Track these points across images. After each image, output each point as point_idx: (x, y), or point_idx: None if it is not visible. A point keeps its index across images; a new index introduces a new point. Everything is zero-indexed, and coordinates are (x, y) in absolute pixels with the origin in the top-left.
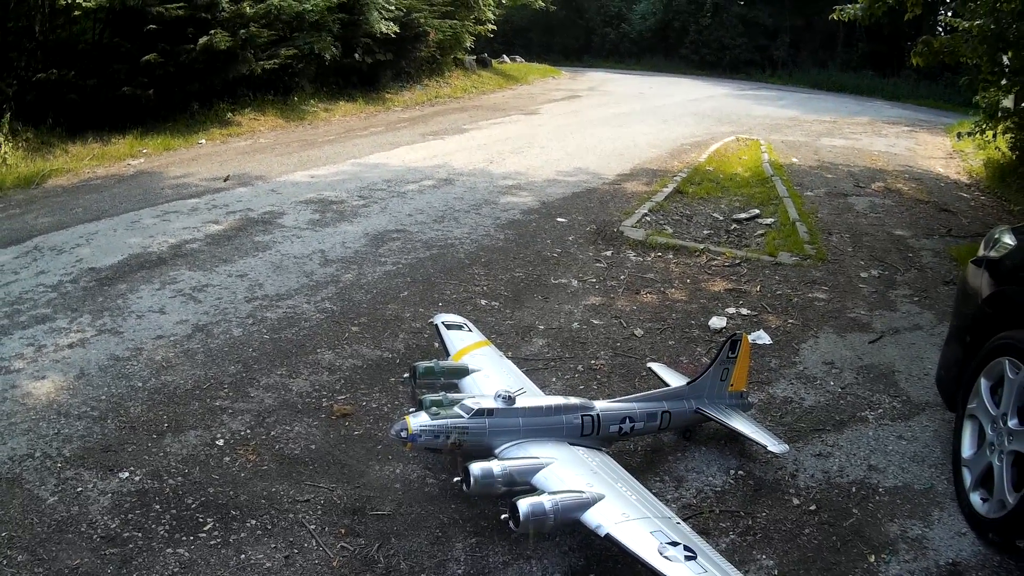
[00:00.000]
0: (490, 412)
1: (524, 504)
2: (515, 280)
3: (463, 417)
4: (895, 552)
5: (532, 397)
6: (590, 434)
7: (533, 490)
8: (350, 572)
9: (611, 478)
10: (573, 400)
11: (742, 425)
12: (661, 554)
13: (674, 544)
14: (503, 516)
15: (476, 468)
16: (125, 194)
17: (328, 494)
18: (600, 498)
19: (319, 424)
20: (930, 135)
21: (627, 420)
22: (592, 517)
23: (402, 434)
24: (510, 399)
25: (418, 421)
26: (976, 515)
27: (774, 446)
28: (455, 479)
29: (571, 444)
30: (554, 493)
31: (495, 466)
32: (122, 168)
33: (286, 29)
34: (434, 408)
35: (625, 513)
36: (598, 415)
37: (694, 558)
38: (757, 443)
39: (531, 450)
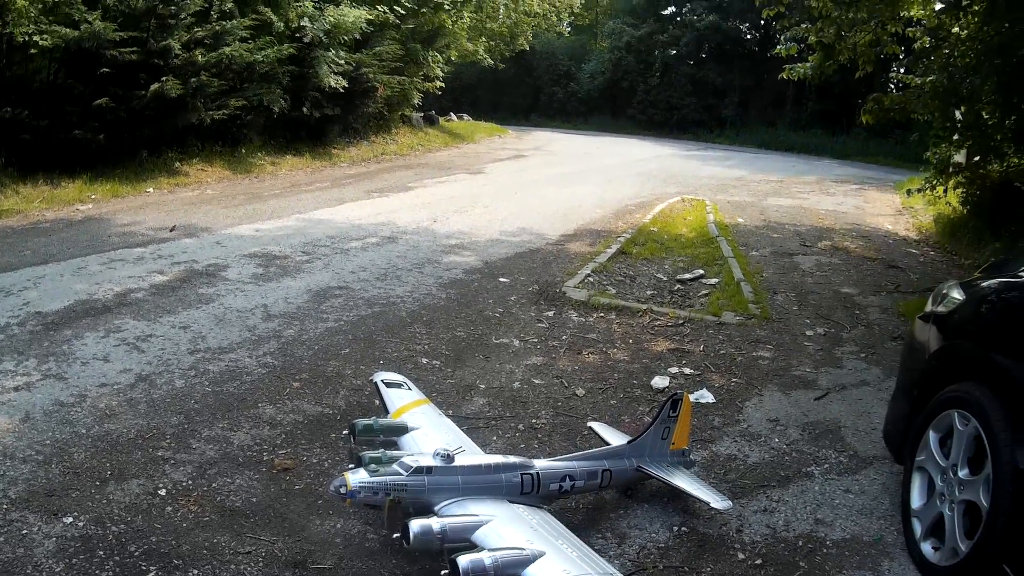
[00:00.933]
0: (429, 470)
1: (464, 560)
2: (456, 339)
3: (402, 475)
4: None
5: (471, 455)
6: (530, 492)
7: (473, 547)
8: None
9: (552, 535)
10: (512, 459)
11: (684, 482)
12: None
13: None
14: (443, 573)
15: (415, 525)
16: (73, 239)
17: (269, 547)
18: (541, 555)
19: (260, 477)
20: (879, 192)
21: (567, 478)
22: (532, 574)
23: (341, 490)
24: (449, 457)
25: (357, 478)
26: (928, 564)
27: (717, 502)
28: (395, 535)
29: (511, 502)
30: (494, 550)
31: (434, 523)
32: (71, 212)
33: (236, 79)
34: (373, 465)
35: (566, 570)
36: (538, 473)
37: None
38: (699, 500)
39: (471, 507)
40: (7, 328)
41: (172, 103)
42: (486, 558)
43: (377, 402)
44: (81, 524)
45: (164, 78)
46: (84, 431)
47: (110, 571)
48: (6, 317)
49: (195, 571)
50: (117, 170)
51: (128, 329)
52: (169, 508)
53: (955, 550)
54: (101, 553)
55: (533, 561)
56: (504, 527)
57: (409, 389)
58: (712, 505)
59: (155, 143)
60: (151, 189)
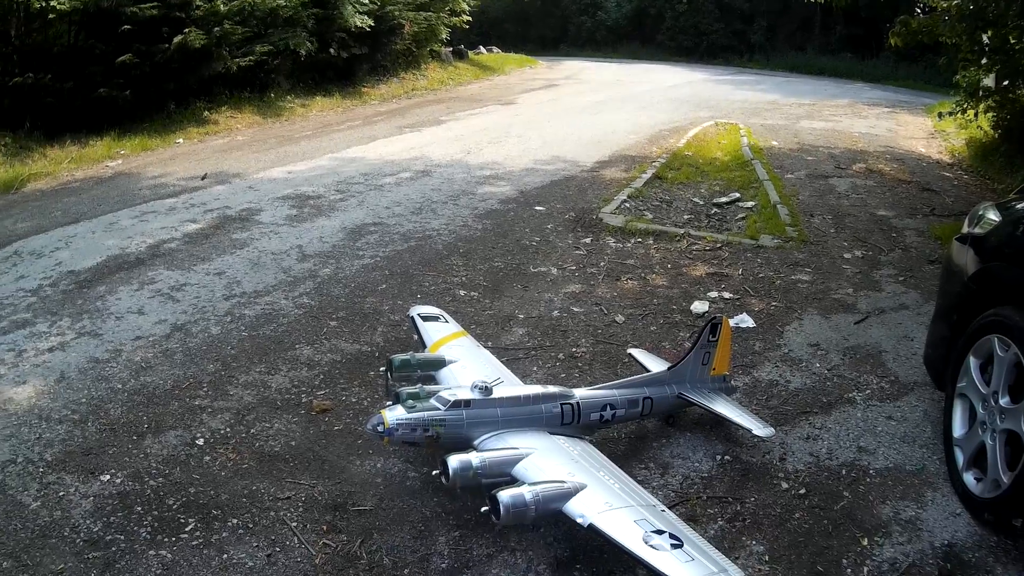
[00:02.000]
0: (467, 403)
1: (504, 496)
2: (494, 270)
3: (440, 409)
4: (888, 535)
5: (510, 387)
6: (570, 423)
7: (514, 481)
8: (333, 569)
9: (593, 467)
10: (552, 389)
11: (726, 409)
12: (646, 543)
13: (659, 532)
14: (483, 508)
15: (454, 460)
16: (103, 196)
17: (309, 490)
18: (582, 487)
19: (299, 420)
20: (911, 116)
21: (608, 407)
22: (574, 507)
23: (379, 428)
24: (487, 390)
25: (394, 415)
26: (970, 495)
27: (759, 429)
28: (435, 472)
29: (551, 433)
30: (535, 484)
31: (474, 458)
32: (100, 170)
33: (260, 26)
34: (410, 401)
35: (608, 502)
36: (578, 403)
37: (680, 546)
38: (742, 427)
39: (510, 441)
40: (39, 290)
41: (196, 54)
42: (527, 493)
43: (415, 337)
44: (119, 481)
45: (187, 30)
46: (120, 386)
47: (148, 526)
48: (39, 279)
49: (234, 520)
50: (145, 124)
51: (162, 280)
52: (207, 458)
53: (997, 482)
54: (139, 509)
55: (575, 494)
56: (544, 460)
57: (446, 322)
58: (755, 432)
59: (182, 95)
60: (180, 140)
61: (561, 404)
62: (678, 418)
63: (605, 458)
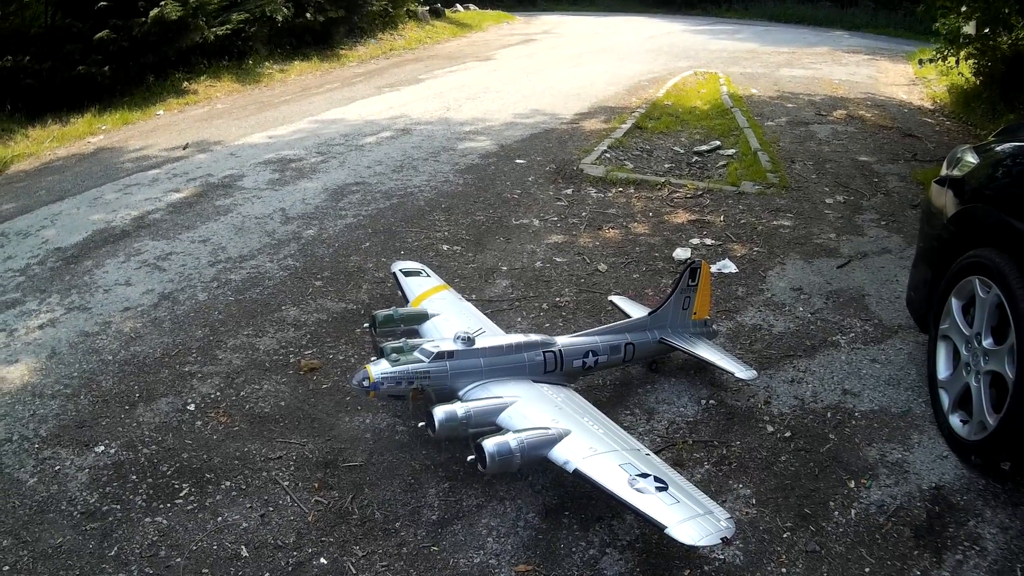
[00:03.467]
0: (450, 355)
1: (490, 444)
2: (476, 223)
3: (424, 362)
4: (875, 477)
5: (492, 337)
6: (553, 370)
7: (499, 430)
8: (325, 526)
9: (577, 413)
10: (534, 337)
11: (708, 353)
12: (631, 486)
13: (644, 476)
14: (469, 458)
15: (440, 411)
16: (86, 172)
17: (300, 449)
18: (566, 434)
19: (287, 380)
20: (891, 63)
21: (590, 354)
22: (559, 453)
23: (364, 383)
24: (469, 340)
25: (379, 369)
26: (957, 438)
27: (742, 372)
28: (420, 424)
29: (535, 381)
30: (519, 431)
31: (459, 408)
32: (82, 146)
33: None
34: (394, 355)
35: (593, 447)
36: (560, 351)
37: (665, 489)
38: (724, 370)
39: (494, 390)
40: (28, 269)
41: (173, 25)
42: (512, 440)
43: (399, 293)
44: (112, 451)
45: (163, 2)
46: (111, 357)
47: (143, 494)
48: (26, 258)
49: (227, 483)
50: (125, 99)
51: (148, 251)
52: (199, 423)
53: (983, 424)
54: (134, 477)
55: (559, 440)
56: (528, 407)
57: (428, 276)
58: (737, 375)
59: (161, 67)
60: (161, 111)
61: (543, 352)
62: (662, 364)
63: (589, 404)
